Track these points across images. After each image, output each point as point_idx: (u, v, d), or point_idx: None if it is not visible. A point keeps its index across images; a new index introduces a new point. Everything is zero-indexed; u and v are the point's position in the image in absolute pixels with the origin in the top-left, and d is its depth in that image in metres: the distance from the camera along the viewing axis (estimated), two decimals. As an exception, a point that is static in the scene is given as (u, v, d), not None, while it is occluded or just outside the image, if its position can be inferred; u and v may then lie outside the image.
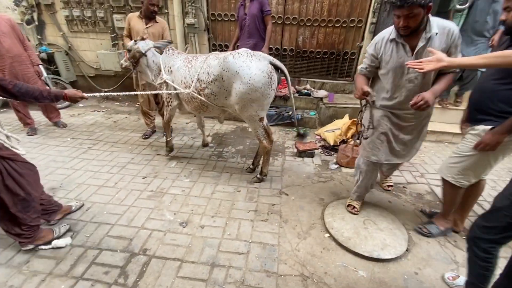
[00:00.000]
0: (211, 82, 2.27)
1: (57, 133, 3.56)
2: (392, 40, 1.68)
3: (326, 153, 3.21)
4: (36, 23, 4.61)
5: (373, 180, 2.17)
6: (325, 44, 4.21)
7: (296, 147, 3.14)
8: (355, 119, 3.26)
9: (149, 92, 2.76)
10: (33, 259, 1.72)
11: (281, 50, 4.36)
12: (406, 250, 1.89)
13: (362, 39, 4.06)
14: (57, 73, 4.56)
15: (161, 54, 2.65)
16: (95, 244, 1.85)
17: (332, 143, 3.30)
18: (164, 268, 1.69)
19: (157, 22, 3.08)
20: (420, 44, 1.59)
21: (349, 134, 3.24)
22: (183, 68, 2.45)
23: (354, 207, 2.20)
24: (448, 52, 1.59)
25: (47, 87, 1.70)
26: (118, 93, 2.27)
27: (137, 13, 3.07)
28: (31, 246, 1.76)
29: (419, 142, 2.02)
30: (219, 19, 4.34)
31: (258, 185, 2.57)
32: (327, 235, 2.01)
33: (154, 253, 1.80)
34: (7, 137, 1.69)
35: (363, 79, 1.92)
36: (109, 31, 4.52)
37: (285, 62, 4.43)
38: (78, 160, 2.88)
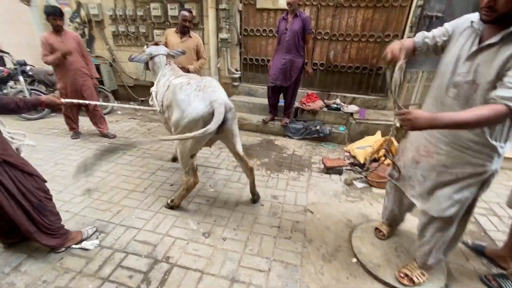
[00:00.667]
0: (167, 107, 2.12)
1: (97, 138, 3.84)
2: (471, 25, 1.24)
3: (355, 171, 3.07)
4: (87, 37, 5.12)
5: (398, 206, 1.85)
6: (357, 59, 4.12)
7: (323, 163, 3.04)
8: (388, 137, 3.11)
9: (142, 108, 2.54)
10: (66, 257, 1.83)
11: (311, 64, 4.33)
12: (445, 286, 1.70)
13: (398, 54, 3.90)
14: (101, 82, 4.98)
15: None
16: (122, 247, 1.92)
17: (362, 161, 3.15)
18: (185, 278, 1.70)
19: (191, 37, 3.25)
20: (488, 41, 1.13)
21: (381, 153, 3.07)
22: (163, 85, 2.31)
23: (381, 231, 2.04)
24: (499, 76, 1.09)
25: (23, 97, 1.73)
26: (113, 105, 2.39)
27: (174, 29, 3.29)
28: (63, 249, 1.85)
29: (448, 192, 1.39)
30: (251, 34, 4.47)
31: (282, 201, 2.52)
32: (355, 260, 1.89)
33: (176, 261, 1.82)
34: (12, 138, 1.78)
35: (406, 42, 1.43)
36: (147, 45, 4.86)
37: (315, 76, 4.41)
38: (113, 164, 3.06)
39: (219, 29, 4.32)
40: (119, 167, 3.02)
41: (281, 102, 4.13)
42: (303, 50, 3.56)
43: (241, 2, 4.25)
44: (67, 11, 5.22)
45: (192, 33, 3.31)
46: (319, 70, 4.35)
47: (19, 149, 1.82)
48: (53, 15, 3.06)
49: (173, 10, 4.39)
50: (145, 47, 2.65)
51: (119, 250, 1.90)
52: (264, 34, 4.38)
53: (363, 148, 3.27)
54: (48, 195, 1.81)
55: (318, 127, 3.77)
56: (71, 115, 3.67)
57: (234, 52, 4.57)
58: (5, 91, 4.50)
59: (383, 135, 3.40)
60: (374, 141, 3.26)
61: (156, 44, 2.66)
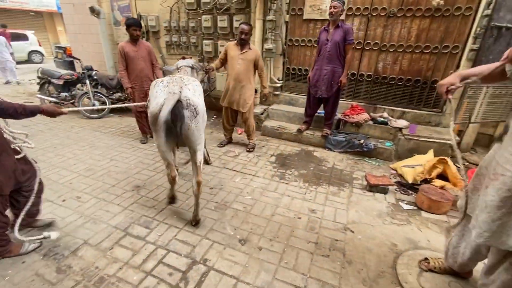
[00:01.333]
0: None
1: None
2: None
3: (402, 191, 2.84)
4: (145, 46, 5.62)
5: (473, 252, 1.54)
6: (409, 71, 3.86)
7: (366, 180, 2.87)
8: (444, 158, 2.84)
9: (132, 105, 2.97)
10: (116, 247, 1.98)
11: (357, 75, 4.19)
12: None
13: (457, 67, 3.58)
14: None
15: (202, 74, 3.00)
16: (164, 244, 2.02)
17: (410, 181, 2.91)
18: (221, 283, 1.72)
19: (250, 49, 3.32)
20: None
21: (433, 174, 2.81)
22: None
23: (434, 264, 1.82)
24: None
25: (23, 103, 1.68)
26: (98, 107, 2.65)
27: (234, 42, 3.42)
28: None
29: None
30: (296, 44, 4.48)
31: (320, 216, 2.43)
32: (400, 289, 1.73)
33: (213, 265, 1.85)
34: (14, 138, 1.81)
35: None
36: (198, 54, 5.16)
37: (361, 87, 4.24)
38: (160, 164, 3.27)
39: (264, 40, 4.41)
40: (163, 167, 3.21)
41: (320, 113, 4.05)
42: (344, 60, 3.50)
43: (288, 13, 4.31)
44: (130, 22, 5.82)
45: (251, 45, 3.39)
46: (366, 82, 4.18)
47: (20, 148, 1.87)
48: (134, 26, 3.43)
49: (222, 22, 4.61)
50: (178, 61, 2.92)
51: (161, 246, 2.00)
52: (309, 44, 4.37)
53: (412, 167, 3.03)
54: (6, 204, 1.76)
55: (362, 141, 3.59)
56: (141, 120, 3.92)
57: (278, 61, 4.61)
58: (73, 92, 5.14)
59: (436, 155, 3.11)
60: (425, 160, 3.00)
61: (184, 58, 3.03)
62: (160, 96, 1.93)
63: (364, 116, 3.89)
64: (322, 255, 1.98)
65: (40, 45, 13.14)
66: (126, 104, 3.27)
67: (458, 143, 3.43)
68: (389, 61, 3.95)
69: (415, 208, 2.60)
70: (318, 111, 4.01)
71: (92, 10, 5.71)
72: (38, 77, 5.32)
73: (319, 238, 2.15)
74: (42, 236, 1.92)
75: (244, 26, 3.24)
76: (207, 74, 3.43)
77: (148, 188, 2.77)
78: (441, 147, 3.32)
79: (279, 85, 4.71)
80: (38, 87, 5.35)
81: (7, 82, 7.72)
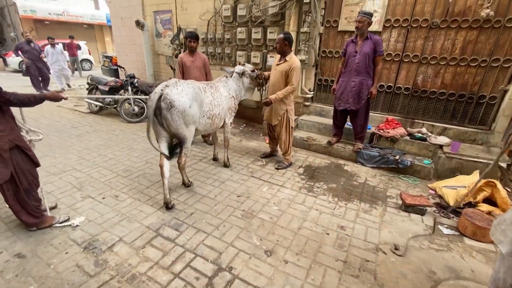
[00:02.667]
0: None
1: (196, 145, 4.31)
2: None
3: (442, 214, 2.63)
4: (182, 56, 5.95)
5: None
6: (453, 85, 3.62)
7: (402, 199, 2.71)
8: (492, 180, 2.59)
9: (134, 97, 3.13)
10: (147, 246, 2.08)
11: (394, 88, 4.02)
12: None
13: (509, 82, 3.28)
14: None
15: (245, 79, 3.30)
16: (192, 248, 2.08)
17: (452, 203, 2.68)
18: (245, 293, 1.71)
19: (286, 61, 3.13)
20: None
21: (479, 197, 2.57)
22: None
23: None
24: None
25: (33, 94, 2.05)
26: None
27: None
28: (34, 228, 2.18)
29: None
30: (330, 55, 4.44)
31: (350, 233, 2.33)
32: (439, 322, 1.58)
33: (238, 274, 1.85)
34: (27, 132, 2.21)
35: None
36: (231, 64, 5.34)
37: (397, 101, 4.06)
38: (190, 169, 3.39)
39: (297, 51, 4.44)
40: (195, 172, 3.33)
41: (349, 125, 3.93)
42: (373, 72, 3.40)
43: (322, 25, 4.30)
44: (169, 35, 6.23)
45: (290, 56, 3.14)
46: (403, 95, 3.99)
47: (32, 142, 2.23)
48: (190, 38, 3.70)
49: (256, 34, 4.74)
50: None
51: (190, 250, 2.05)
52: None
53: (454, 188, 2.80)
54: (37, 181, 2.18)
55: (397, 157, 3.40)
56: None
57: (310, 73, 4.60)
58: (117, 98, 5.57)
59: (483, 176, 2.83)
60: (470, 181, 2.75)
61: (239, 63, 3.38)
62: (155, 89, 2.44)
63: (400, 130, 3.70)
64: (351, 275, 1.89)
65: (90, 54, 14.52)
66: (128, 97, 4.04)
67: (510, 165, 3.11)
68: (430, 74, 3.74)
69: (457, 233, 2.38)
70: (348, 123, 3.91)
71: (138, 23, 6.21)
72: (88, 83, 5.87)
73: (348, 257, 2.06)
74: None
75: (280, 35, 3.13)
76: (261, 80, 3.40)
77: (179, 191, 2.88)
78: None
79: (310, 96, 4.68)
80: (86, 92, 5.90)
81: (62, 90, 8.55)
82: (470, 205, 2.60)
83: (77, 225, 2.27)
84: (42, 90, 7.41)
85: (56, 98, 2.13)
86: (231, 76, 3.21)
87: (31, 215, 2.12)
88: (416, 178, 3.35)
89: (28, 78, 7.37)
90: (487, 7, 3.18)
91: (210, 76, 4.02)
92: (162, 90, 2.36)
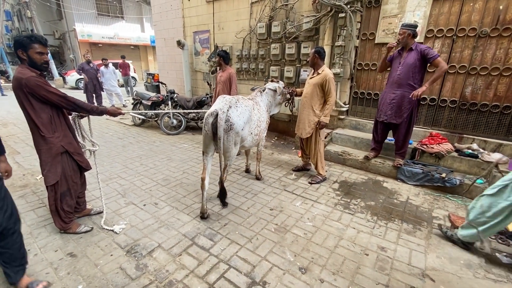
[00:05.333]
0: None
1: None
2: None
3: (500, 240, 2.34)
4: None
5: None
6: (508, 97, 3.30)
7: (450, 221, 2.47)
8: None
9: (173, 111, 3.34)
10: (184, 254, 2.14)
11: (438, 101, 3.78)
12: None
13: None
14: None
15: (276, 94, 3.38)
16: (226, 259, 2.09)
17: (511, 228, 2.38)
18: (280, 310, 1.66)
19: (319, 74, 3.17)
20: None
21: (548, 224, 2.24)
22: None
23: None
24: None
25: (96, 105, 2.39)
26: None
27: None
28: (62, 231, 2.34)
29: None
30: (366, 68, 4.34)
31: (392, 255, 2.17)
32: None
33: (272, 289, 1.82)
34: (91, 142, 2.47)
35: None
36: (264, 79, 5.47)
37: (442, 114, 3.80)
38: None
39: (331, 65, 4.42)
40: (228, 183, 3.39)
41: (390, 140, 3.73)
42: (418, 83, 3.19)
43: (358, 38, 4.25)
44: (206, 53, 6.61)
45: (323, 69, 3.17)
46: (449, 108, 3.71)
47: (89, 151, 2.48)
48: (219, 55, 4.08)
49: (290, 49, 4.83)
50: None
51: (223, 261, 2.07)
52: (380, 69, 4.18)
53: (514, 212, 2.47)
54: (77, 186, 2.34)
55: (443, 175, 3.13)
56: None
57: (345, 86, 4.52)
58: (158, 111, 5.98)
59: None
60: (534, 205, 2.42)
61: (272, 80, 3.43)
62: (212, 107, 2.52)
63: (447, 146, 3.42)
64: (394, 302, 1.74)
65: (134, 72, 15.91)
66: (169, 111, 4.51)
67: None
68: (479, 86, 3.46)
69: (521, 264, 2.09)
70: (389, 138, 3.72)
71: (179, 43, 6.70)
72: (133, 98, 6.41)
73: (390, 281, 1.91)
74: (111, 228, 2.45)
75: (311, 51, 3.21)
76: (291, 97, 3.56)
77: (213, 202, 2.95)
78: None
79: (344, 109, 4.58)
80: (131, 106, 6.44)
81: (123, 106, 9.22)
82: (536, 232, 2.28)
83: (116, 233, 2.40)
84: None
85: (115, 113, 2.36)
86: (264, 91, 3.29)
87: (61, 218, 2.28)
88: (466, 198, 3.03)
89: (84, 94, 8.22)
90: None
91: (233, 89, 4.15)
92: (227, 111, 2.44)
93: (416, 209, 2.87)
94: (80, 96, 10.52)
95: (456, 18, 3.46)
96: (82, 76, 8.10)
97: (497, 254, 2.20)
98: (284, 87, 3.45)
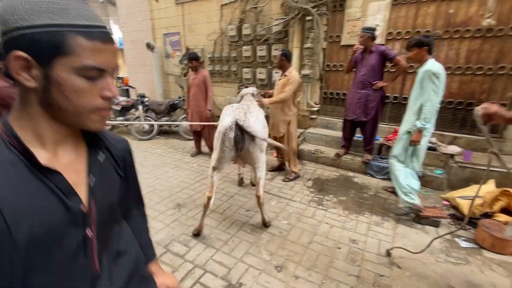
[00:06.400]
0: None
1: (201, 159, 4.38)
2: None
3: (457, 226, 2.54)
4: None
5: None
6: (460, 94, 3.61)
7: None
8: (508, 189, 2.51)
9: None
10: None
11: (400, 99, 4.03)
12: None
13: (518, 89, 3.24)
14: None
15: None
16: (202, 264, 2.06)
17: (467, 214, 2.59)
18: (256, 310, 1.67)
19: (286, 75, 3.27)
20: None
21: (496, 207, 2.48)
22: None
23: None
24: None
25: None
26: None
27: None
28: None
29: None
30: (334, 69, 4.52)
31: (362, 247, 2.27)
32: None
33: (249, 290, 1.82)
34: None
35: None
36: (237, 81, 5.48)
37: (404, 111, 4.02)
38: (199, 184, 3.42)
39: (302, 66, 4.54)
40: (203, 187, 3.35)
41: (358, 137, 3.92)
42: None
43: (325, 41, 4.41)
44: (178, 55, 6.49)
45: (290, 71, 3.27)
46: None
47: None
48: (191, 59, 4.11)
49: (261, 51, 4.89)
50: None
51: (199, 266, 2.04)
52: (347, 69, 4.37)
53: (468, 198, 2.71)
54: None
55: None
56: (206, 137, 4.35)
57: (315, 86, 4.67)
58: (127, 117, 5.75)
59: (498, 186, 2.75)
60: (484, 191, 2.67)
61: (247, 86, 3.25)
62: (226, 119, 2.24)
63: (409, 141, 3.65)
64: (365, 291, 1.83)
65: (103, 76, 15.18)
66: (180, 122, 4.21)
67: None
68: (435, 84, 3.74)
69: (475, 246, 2.29)
70: (357, 135, 3.90)
71: (148, 45, 6.50)
72: (101, 104, 6.09)
73: (361, 272, 2.00)
74: None
75: (278, 54, 3.33)
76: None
77: (188, 207, 2.89)
78: (504, 177, 2.93)
79: (316, 109, 4.72)
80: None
81: None
82: (487, 215, 2.51)
83: None
84: None
85: None
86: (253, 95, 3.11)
87: None
88: (428, 189, 3.27)
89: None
90: (488, 17, 3.21)
91: (210, 92, 4.18)
92: (242, 118, 2.19)
93: (384, 201, 3.03)
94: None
95: (412, 22, 3.73)
96: None
97: (456, 238, 2.39)
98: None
